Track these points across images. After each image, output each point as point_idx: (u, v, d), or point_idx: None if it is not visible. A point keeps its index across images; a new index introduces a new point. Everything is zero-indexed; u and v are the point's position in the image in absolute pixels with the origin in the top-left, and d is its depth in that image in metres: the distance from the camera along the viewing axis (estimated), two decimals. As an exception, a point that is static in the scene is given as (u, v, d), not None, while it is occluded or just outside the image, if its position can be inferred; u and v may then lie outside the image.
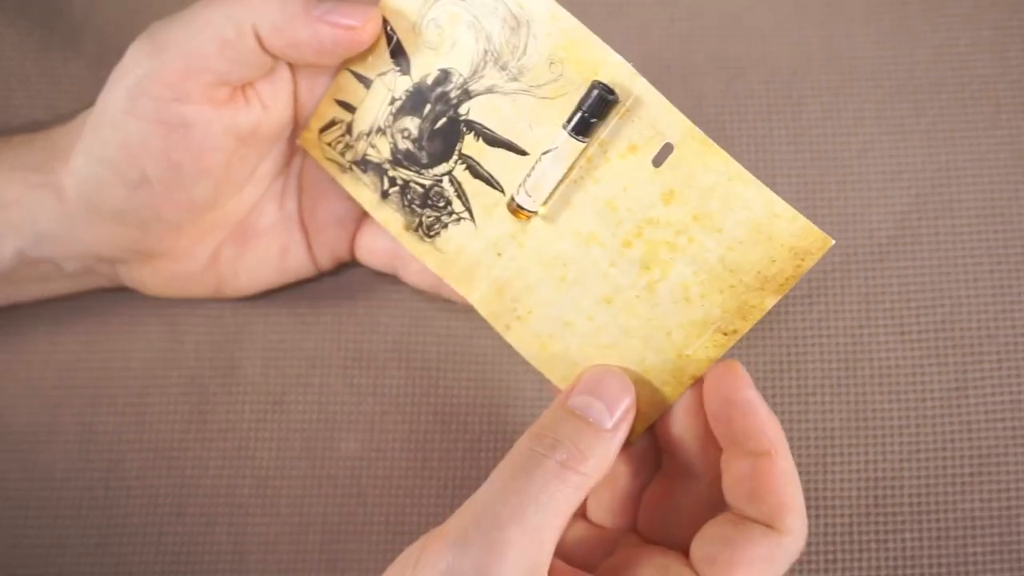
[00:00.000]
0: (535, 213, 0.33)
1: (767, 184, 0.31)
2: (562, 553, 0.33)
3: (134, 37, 0.44)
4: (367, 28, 0.33)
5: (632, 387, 0.32)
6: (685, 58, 0.43)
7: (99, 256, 0.36)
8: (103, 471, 0.39)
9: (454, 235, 0.35)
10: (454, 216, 0.35)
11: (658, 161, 0.31)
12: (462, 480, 0.39)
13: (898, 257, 0.41)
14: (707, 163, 0.30)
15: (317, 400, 0.40)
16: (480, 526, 0.28)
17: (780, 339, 0.40)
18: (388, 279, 0.41)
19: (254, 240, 0.38)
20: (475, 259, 0.35)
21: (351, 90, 0.35)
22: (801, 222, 0.30)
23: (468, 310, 0.38)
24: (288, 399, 0.40)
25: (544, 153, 0.32)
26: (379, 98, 0.35)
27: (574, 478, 0.29)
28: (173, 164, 0.34)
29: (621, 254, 0.32)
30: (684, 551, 0.31)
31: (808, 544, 0.38)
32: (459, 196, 0.35)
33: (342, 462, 0.39)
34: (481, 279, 0.35)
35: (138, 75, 0.33)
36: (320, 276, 0.40)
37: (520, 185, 0.33)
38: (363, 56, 0.35)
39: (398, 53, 0.34)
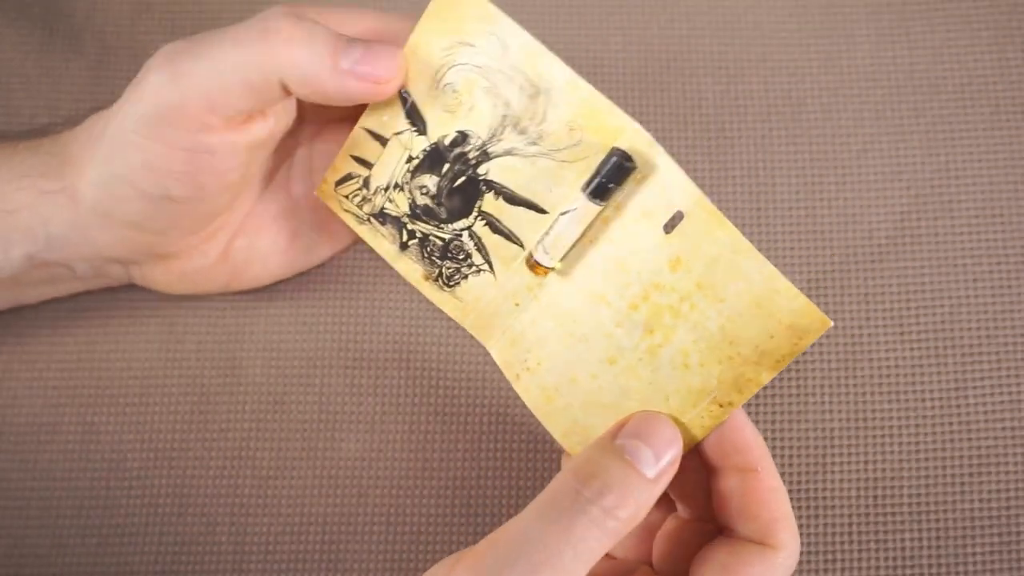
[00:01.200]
0: (552, 269, 0.34)
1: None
2: None
3: (135, 39, 0.44)
4: (393, 84, 0.33)
5: (680, 438, 0.31)
6: (685, 58, 0.43)
7: (112, 258, 0.36)
8: (104, 471, 0.39)
9: (474, 285, 0.36)
10: (474, 268, 0.36)
11: (669, 228, 0.31)
12: (462, 480, 0.39)
13: (897, 257, 0.41)
14: (713, 234, 0.31)
15: (318, 400, 0.40)
16: (515, 568, 0.28)
17: (780, 339, 0.40)
18: (388, 279, 0.41)
19: (264, 229, 0.38)
20: (493, 308, 0.35)
21: (367, 147, 0.35)
22: (801, 301, 0.30)
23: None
24: (289, 399, 0.40)
25: (562, 213, 0.33)
26: (395, 156, 0.35)
27: (612, 524, 0.29)
28: (197, 185, 0.34)
29: (627, 316, 0.33)
30: None
31: (808, 544, 0.38)
32: (479, 250, 0.35)
33: (343, 462, 0.39)
34: (498, 328, 0.35)
35: (159, 104, 0.32)
36: (332, 258, 0.41)
37: (538, 242, 0.34)
38: (378, 115, 0.34)
39: (413, 115, 0.34)
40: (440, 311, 0.41)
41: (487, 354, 0.40)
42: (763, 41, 0.43)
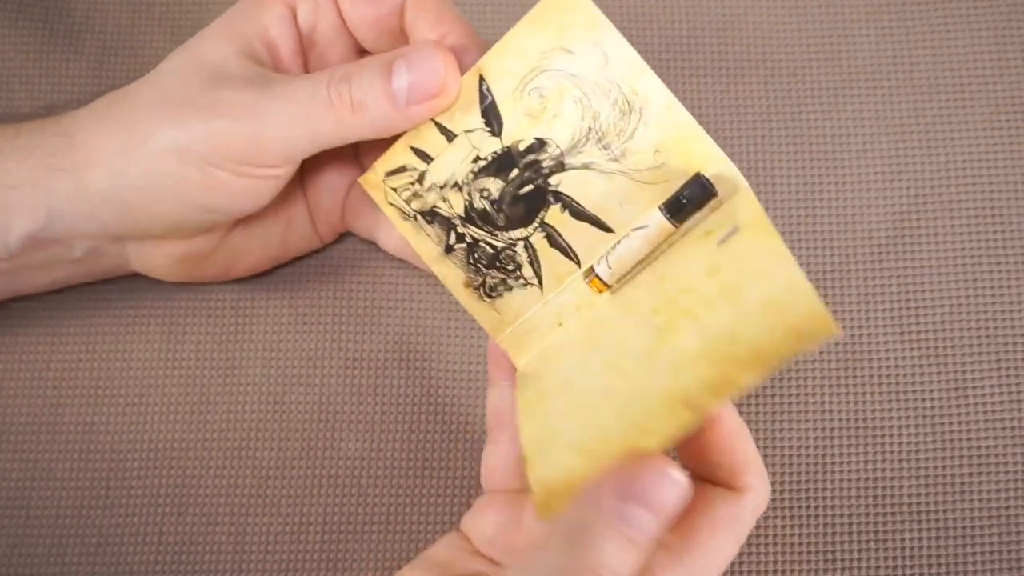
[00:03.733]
0: (610, 287, 0.33)
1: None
2: None
3: (135, 39, 0.44)
4: (449, 92, 0.32)
5: (687, 486, 0.27)
6: (685, 58, 0.43)
7: (113, 235, 0.36)
8: (104, 470, 0.39)
9: (516, 298, 0.35)
10: (521, 280, 0.35)
11: (722, 240, 0.31)
12: (462, 480, 0.39)
13: (897, 257, 0.41)
14: (758, 241, 0.29)
15: (317, 400, 0.40)
16: None
17: (780, 339, 0.40)
18: (389, 278, 0.41)
19: (260, 216, 0.38)
20: (533, 325, 0.34)
21: (430, 140, 0.34)
22: (814, 304, 0.27)
23: (436, 280, 0.38)
24: (288, 399, 0.40)
25: (635, 229, 0.32)
26: (461, 153, 0.34)
27: None
28: (239, 199, 0.35)
29: (647, 319, 0.31)
30: None
31: (808, 544, 0.38)
32: (531, 263, 0.34)
33: (342, 462, 0.39)
34: (533, 346, 0.34)
35: (237, 147, 0.33)
36: (324, 248, 0.41)
37: (603, 256, 0.33)
38: (450, 109, 0.33)
39: (490, 113, 0.33)
40: (437, 308, 0.41)
41: (487, 354, 0.40)
42: (763, 41, 0.43)
